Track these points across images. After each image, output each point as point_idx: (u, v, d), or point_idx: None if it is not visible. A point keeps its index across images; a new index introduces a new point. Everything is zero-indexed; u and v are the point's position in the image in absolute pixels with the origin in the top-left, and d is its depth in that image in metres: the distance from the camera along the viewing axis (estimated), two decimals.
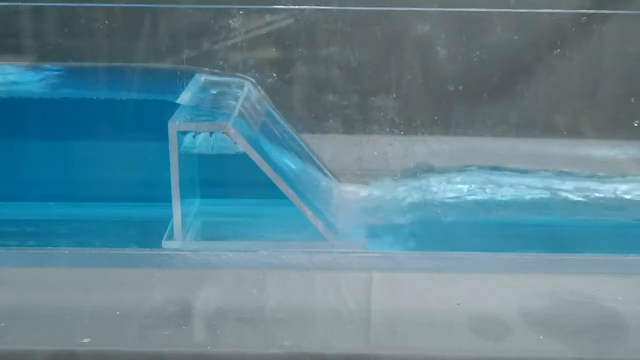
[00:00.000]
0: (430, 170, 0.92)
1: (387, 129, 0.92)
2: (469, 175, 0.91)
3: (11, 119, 0.87)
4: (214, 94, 0.86)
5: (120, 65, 0.90)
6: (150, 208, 0.86)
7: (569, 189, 0.90)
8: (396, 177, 0.92)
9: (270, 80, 0.91)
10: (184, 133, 0.80)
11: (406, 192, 0.90)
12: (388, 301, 0.74)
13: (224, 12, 0.88)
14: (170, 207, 0.79)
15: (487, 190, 0.90)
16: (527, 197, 0.90)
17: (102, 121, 0.88)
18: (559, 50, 0.89)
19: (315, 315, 0.72)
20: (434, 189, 0.90)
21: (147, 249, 0.80)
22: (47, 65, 0.90)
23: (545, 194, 0.90)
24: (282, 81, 0.91)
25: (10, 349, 0.67)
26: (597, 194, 0.90)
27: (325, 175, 0.92)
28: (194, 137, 0.81)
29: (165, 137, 0.78)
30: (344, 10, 0.88)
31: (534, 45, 0.90)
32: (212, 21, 0.89)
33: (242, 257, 0.80)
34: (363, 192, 0.91)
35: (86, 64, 0.90)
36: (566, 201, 0.89)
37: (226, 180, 0.88)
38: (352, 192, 0.92)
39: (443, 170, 0.92)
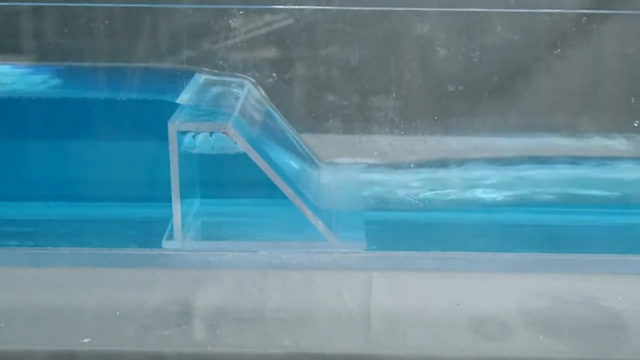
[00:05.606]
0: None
1: (387, 129, 0.92)
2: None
3: (11, 119, 0.87)
4: (214, 94, 0.86)
5: (120, 65, 0.90)
6: (150, 208, 0.86)
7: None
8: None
9: (270, 80, 0.91)
10: (184, 133, 0.80)
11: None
12: (388, 301, 0.74)
13: (224, 12, 0.88)
14: (170, 207, 0.79)
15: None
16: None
17: (102, 121, 0.88)
18: (558, 50, 0.89)
19: (315, 315, 0.72)
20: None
21: (147, 249, 0.80)
22: (47, 65, 0.90)
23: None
24: (282, 81, 0.91)
25: (10, 349, 0.67)
26: None
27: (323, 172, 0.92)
28: (194, 137, 0.81)
29: (165, 137, 0.78)
30: (343, 10, 0.88)
31: (534, 46, 0.90)
32: (212, 21, 0.89)
33: (242, 257, 0.79)
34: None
35: (86, 64, 0.90)
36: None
37: (226, 180, 0.88)
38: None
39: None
